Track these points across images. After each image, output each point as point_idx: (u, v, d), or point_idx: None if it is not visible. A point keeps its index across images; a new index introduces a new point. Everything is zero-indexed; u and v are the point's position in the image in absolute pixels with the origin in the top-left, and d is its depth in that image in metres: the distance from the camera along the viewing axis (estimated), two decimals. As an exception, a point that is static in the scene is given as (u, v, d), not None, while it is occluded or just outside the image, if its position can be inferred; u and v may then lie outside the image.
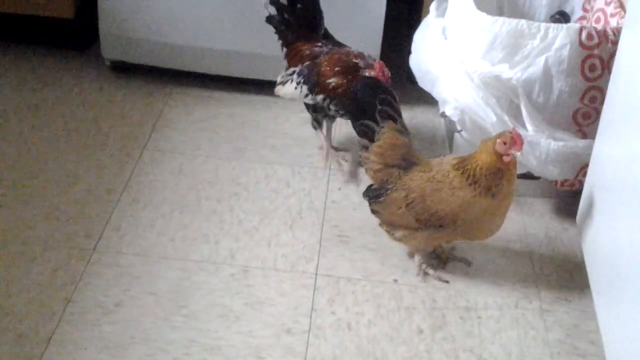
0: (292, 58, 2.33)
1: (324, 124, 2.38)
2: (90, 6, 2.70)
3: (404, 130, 2.00)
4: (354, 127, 2.06)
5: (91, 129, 2.49)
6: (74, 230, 2.10)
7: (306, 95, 2.27)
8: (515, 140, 1.84)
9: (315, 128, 2.38)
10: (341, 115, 2.30)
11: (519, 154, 1.86)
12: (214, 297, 1.94)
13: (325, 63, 2.25)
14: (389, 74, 2.14)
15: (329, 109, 2.27)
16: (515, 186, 1.92)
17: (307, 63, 2.29)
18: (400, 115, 2.01)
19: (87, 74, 2.75)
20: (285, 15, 2.32)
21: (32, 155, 2.36)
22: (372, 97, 1.99)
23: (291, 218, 2.21)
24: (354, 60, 2.20)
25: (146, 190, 2.26)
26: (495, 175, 1.86)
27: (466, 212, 1.89)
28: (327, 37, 2.36)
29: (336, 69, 2.22)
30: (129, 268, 2.00)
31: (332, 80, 2.21)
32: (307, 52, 2.31)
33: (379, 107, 1.98)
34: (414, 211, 1.93)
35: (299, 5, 2.30)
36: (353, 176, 2.35)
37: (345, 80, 2.20)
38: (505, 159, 1.85)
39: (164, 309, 1.90)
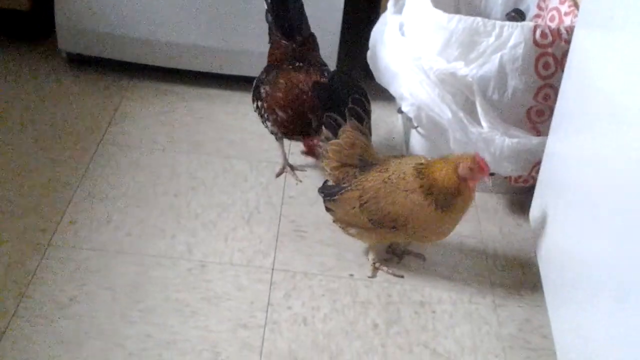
0: (268, 58, 2.34)
1: (283, 139, 2.34)
2: (47, -2, 2.68)
3: (366, 132, 2.00)
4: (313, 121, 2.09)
5: (47, 122, 2.47)
6: (29, 225, 2.08)
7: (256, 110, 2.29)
8: (482, 168, 1.84)
9: (276, 139, 2.35)
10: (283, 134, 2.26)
11: (486, 179, 1.88)
12: (171, 291, 1.94)
13: (272, 83, 2.23)
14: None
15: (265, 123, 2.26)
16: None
17: (262, 70, 2.29)
18: (369, 117, 2.00)
19: (44, 67, 2.73)
20: (269, 15, 2.31)
21: (-14, 148, 2.34)
22: (346, 94, 1.98)
23: (248, 212, 2.21)
24: (299, 84, 2.17)
25: (102, 185, 2.25)
26: (453, 194, 1.87)
27: (417, 218, 1.90)
28: (306, 44, 2.30)
29: (279, 94, 2.20)
30: (84, 263, 1.99)
31: (280, 114, 2.21)
32: (272, 57, 2.31)
33: (350, 105, 1.97)
34: (367, 211, 1.94)
35: (273, 5, 2.28)
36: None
37: (290, 115, 2.19)
38: (471, 183, 1.86)
39: (120, 304, 1.89)
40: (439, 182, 1.87)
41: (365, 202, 1.94)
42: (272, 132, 2.27)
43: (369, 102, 2.00)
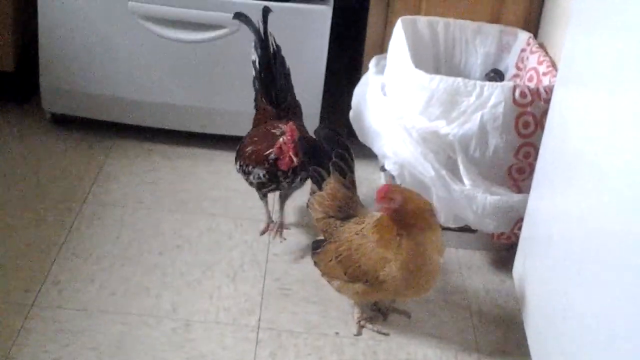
0: (253, 122, 2.36)
1: (267, 197, 2.34)
2: (31, 59, 2.70)
3: (349, 185, 2.04)
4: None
5: (31, 182, 2.47)
6: (12, 285, 2.07)
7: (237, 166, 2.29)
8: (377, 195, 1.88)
9: (260, 198, 2.35)
10: (264, 185, 2.24)
11: (383, 204, 1.88)
12: (156, 351, 1.93)
13: (248, 136, 2.26)
14: (297, 136, 2.11)
15: (248, 178, 2.24)
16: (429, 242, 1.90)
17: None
18: (352, 171, 2.05)
19: (28, 127, 2.74)
20: (256, 82, 2.34)
21: (-30, 208, 2.33)
22: (330, 148, 2.04)
23: (233, 271, 2.21)
24: (272, 130, 2.20)
25: (86, 244, 2.25)
26: (387, 228, 1.90)
27: (384, 269, 1.91)
28: (290, 111, 2.32)
29: (255, 138, 2.22)
30: (68, 323, 1.98)
31: (249, 149, 2.21)
32: (257, 122, 2.33)
33: (333, 159, 2.02)
34: (341, 264, 1.96)
35: (262, 75, 2.31)
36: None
37: (260, 147, 2.18)
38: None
39: (105, 364, 1.88)
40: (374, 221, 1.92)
41: (340, 255, 1.97)
42: (256, 187, 2.26)
43: (352, 157, 2.05)
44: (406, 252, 1.88)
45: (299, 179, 2.20)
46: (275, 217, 2.39)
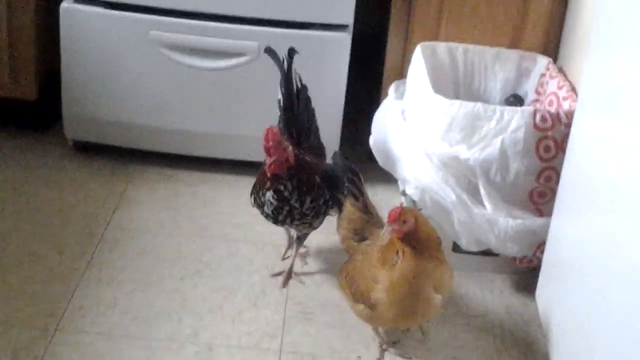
0: None
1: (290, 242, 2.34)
2: (53, 87, 2.73)
3: (363, 208, 2.08)
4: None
5: (54, 208, 2.49)
6: (36, 310, 2.08)
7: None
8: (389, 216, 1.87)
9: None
10: (278, 211, 2.17)
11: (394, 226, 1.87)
12: (178, 376, 1.94)
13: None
14: (272, 137, 2.04)
15: (263, 210, 2.19)
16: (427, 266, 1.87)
17: None
18: (362, 194, 2.10)
19: (50, 154, 2.77)
20: (280, 121, 2.29)
21: (-6, 234, 2.35)
22: (342, 174, 2.12)
23: (255, 295, 2.22)
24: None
25: (109, 269, 2.26)
26: (388, 246, 1.90)
27: (374, 290, 1.90)
28: (313, 151, 2.26)
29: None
30: (91, 347, 1.99)
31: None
32: None
33: (346, 184, 2.09)
34: (348, 283, 2.00)
35: (284, 113, 2.27)
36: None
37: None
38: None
39: (128, 388, 1.89)
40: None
41: (347, 275, 2.01)
42: (272, 219, 2.21)
43: (361, 181, 2.11)
44: (398, 275, 1.86)
45: (308, 201, 2.12)
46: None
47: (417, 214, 1.91)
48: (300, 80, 2.28)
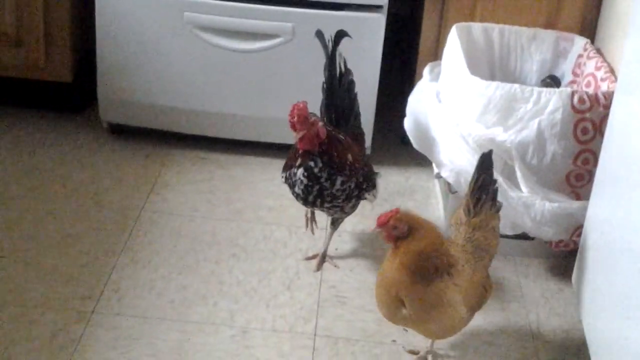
0: None
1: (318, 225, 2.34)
2: (88, 70, 2.75)
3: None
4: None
5: (89, 191, 2.51)
6: (73, 292, 2.10)
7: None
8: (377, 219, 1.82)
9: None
10: (308, 190, 2.12)
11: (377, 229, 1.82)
12: (214, 358, 1.94)
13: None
14: (298, 116, 2.01)
15: (294, 189, 2.15)
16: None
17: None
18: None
19: (85, 137, 2.78)
20: (322, 106, 2.27)
21: (30, 217, 2.37)
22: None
23: (289, 279, 2.22)
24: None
25: (144, 252, 2.27)
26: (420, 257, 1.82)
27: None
28: (350, 134, 2.21)
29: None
30: (128, 330, 2.00)
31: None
32: None
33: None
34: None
35: (325, 96, 2.25)
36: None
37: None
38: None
39: (164, 371, 1.90)
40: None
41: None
42: (303, 199, 2.17)
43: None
44: (381, 276, 1.85)
45: (339, 182, 2.08)
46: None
47: (413, 219, 1.82)
48: (345, 64, 2.25)
